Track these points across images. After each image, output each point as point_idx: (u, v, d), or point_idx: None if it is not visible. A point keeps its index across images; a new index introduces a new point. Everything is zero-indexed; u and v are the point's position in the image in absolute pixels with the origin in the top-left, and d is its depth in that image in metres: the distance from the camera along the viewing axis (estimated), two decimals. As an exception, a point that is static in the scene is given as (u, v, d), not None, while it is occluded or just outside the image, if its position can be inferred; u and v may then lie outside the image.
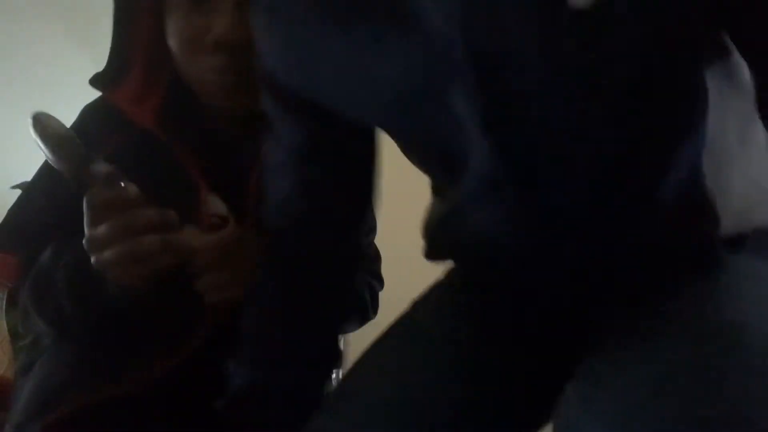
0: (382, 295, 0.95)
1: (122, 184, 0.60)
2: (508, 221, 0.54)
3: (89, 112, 0.81)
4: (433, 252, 0.66)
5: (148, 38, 0.76)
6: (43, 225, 0.76)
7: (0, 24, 1.90)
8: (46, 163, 0.79)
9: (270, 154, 0.66)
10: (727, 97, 0.48)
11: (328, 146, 0.62)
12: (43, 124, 0.59)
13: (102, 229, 0.59)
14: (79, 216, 0.62)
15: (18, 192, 0.90)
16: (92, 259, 0.61)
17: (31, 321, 0.72)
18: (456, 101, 0.48)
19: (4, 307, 0.83)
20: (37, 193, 0.80)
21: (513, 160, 0.50)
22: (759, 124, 0.49)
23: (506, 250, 0.57)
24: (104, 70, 0.77)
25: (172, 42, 0.75)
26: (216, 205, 0.73)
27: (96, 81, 0.77)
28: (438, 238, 0.65)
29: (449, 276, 0.70)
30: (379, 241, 0.97)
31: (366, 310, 0.92)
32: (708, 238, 0.50)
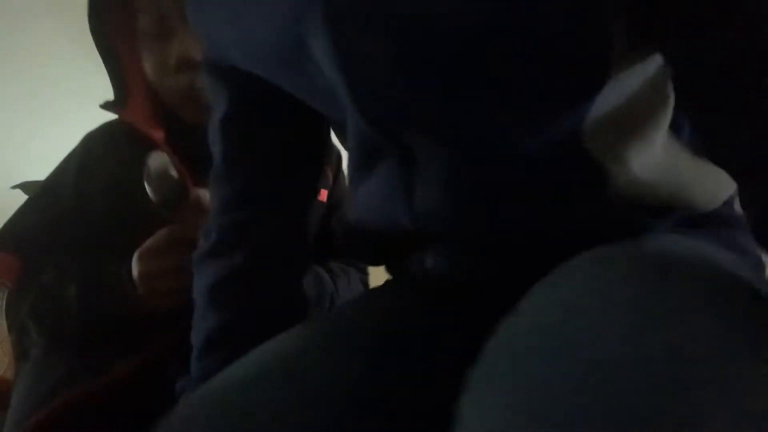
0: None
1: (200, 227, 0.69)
2: (394, 196, 0.51)
3: (91, 138, 0.90)
4: (345, 241, 0.62)
5: (138, 63, 0.83)
6: (40, 233, 0.83)
7: (0, 24, 1.90)
8: (49, 178, 0.88)
9: (209, 131, 0.62)
10: (637, 74, 0.44)
11: (254, 113, 0.59)
12: (154, 167, 0.76)
13: (161, 263, 0.72)
14: (71, 231, 0.75)
15: (18, 192, 0.91)
16: (139, 288, 0.73)
17: (29, 336, 0.78)
18: (321, 61, 0.44)
19: (4, 307, 0.85)
20: (37, 204, 0.86)
21: (384, 129, 0.47)
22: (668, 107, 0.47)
23: (397, 228, 0.53)
24: (113, 96, 0.85)
25: (146, 69, 0.82)
26: (203, 196, 0.79)
27: (107, 106, 0.84)
28: (344, 221, 0.62)
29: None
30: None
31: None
32: (606, 201, 0.47)
